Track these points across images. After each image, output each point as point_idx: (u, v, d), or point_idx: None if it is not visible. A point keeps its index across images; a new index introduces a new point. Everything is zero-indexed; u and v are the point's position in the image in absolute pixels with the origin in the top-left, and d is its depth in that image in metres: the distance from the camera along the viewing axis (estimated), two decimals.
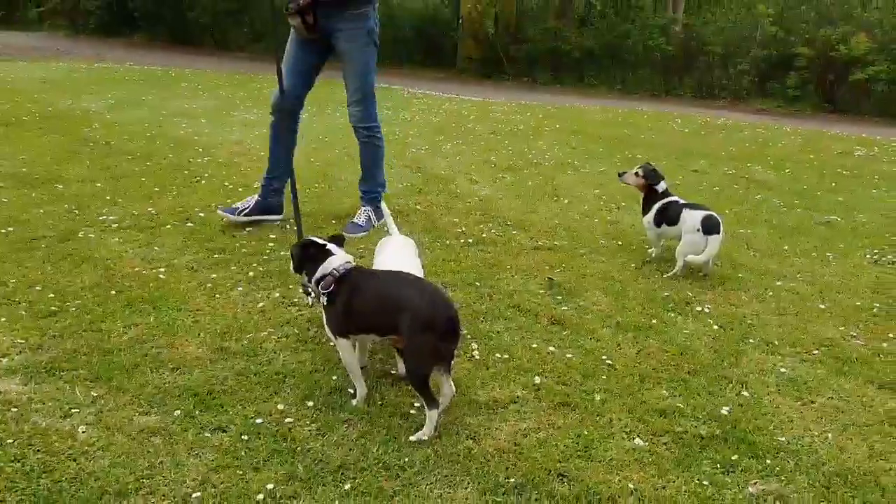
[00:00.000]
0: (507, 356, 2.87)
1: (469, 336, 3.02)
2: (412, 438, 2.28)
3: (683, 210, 3.84)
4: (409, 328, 2.29)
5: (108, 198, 4.60)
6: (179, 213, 4.37)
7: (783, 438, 2.42)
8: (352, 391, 2.51)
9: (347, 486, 2.02)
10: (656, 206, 3.99)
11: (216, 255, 3.74)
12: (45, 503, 1.88)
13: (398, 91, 11.44)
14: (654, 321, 3.27)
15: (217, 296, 3.28)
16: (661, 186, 4.02)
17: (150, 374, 2.58)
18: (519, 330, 3.12)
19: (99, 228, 4.05)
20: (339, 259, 2.50)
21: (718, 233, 3.69)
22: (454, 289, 3.50)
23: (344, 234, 2.87)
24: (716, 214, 3.76)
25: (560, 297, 3.48)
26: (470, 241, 4.21)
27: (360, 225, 4.26)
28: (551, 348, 2.95)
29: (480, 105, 10.17)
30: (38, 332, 2.85)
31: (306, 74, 4.17)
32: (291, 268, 2.59)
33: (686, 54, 14.16)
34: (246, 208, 4.21)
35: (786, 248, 4.44)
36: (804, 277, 3.94)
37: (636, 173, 4.07)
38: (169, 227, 4.12)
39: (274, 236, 4.08)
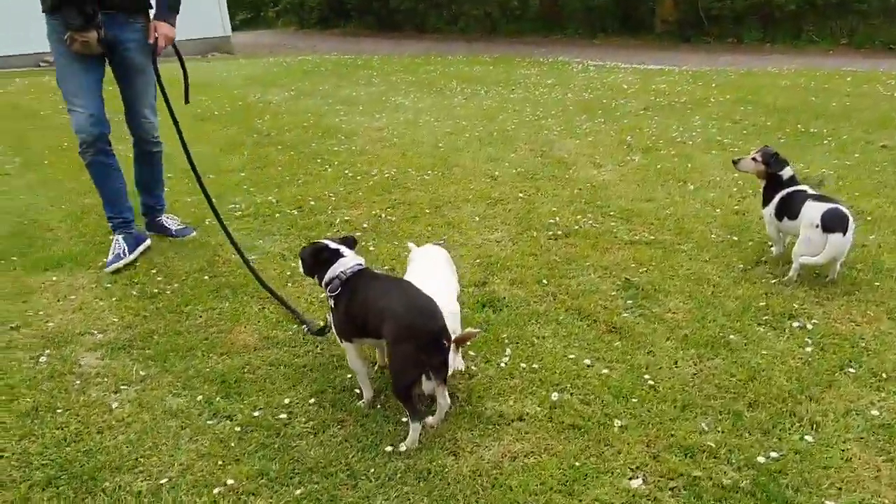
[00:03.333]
0: (537, 366, 2.66)
1: (507, 339, 2.86)
2: (390, 448, 2.23)
3: (806, 202, 3.20)
4: (391, 337, 2.23)
5: (245, 186, 5.11)
6: (296, 201, 4.70)
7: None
8: (358, 391, 2.53)
9: (299, 492, 2.06)
10: (778, 196, 3.37)
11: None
12: (59, 470, 2.19)
13: (566, 65, 11.03)
14: (733, 336, 2.80)
15: (289, 285, 3.50)
16: (786, 173, 3.38)
17: (198, 358, 2.84)
18: (567, 337, 2.87)
19: (225, 217, 4.52)
20: (348, 261, 2.51)
21: (843, 232, 3.02)
22: (517, 286, 3.33)
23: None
24: (844, 208, 3.07)
25: (631, 302, 3.13)
26: (559, 232, 3.95)
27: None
28: (587, 361, 2.67)
29: (645, 76, 9.39)
30: (135, 311, 3.29)
31: (100, 94, 3.66)
32: (301, 270, 2.63)
33: None
34: (123, 250, 3.82)
35: None
36: None
37: (754, 158, 3.47)
38: (279, 215, 4.47)
39: (366, 226, 4.21)
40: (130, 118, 3.89)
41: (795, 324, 2.86)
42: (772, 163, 3.40)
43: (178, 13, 3.70)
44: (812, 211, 3.13)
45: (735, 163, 3.58)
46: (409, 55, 13.65)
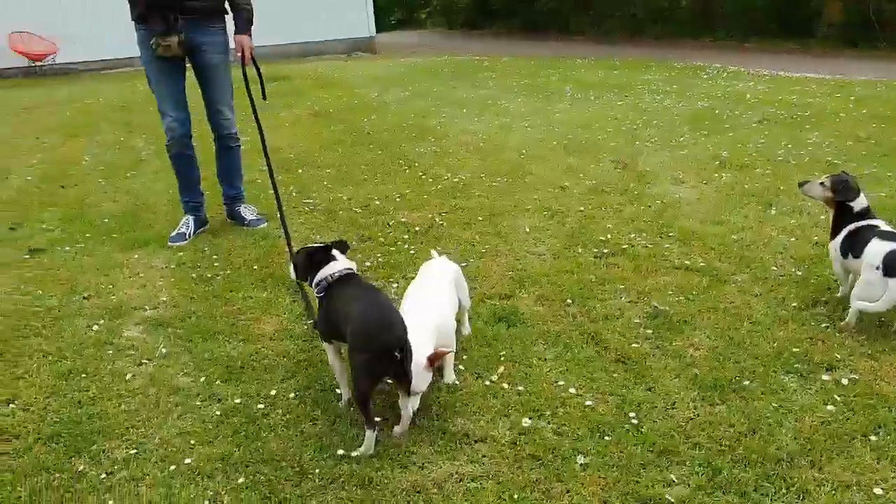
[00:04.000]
0: (522, 388, 2.57)
1: (505, 357, 2.78)
2: (342, 452, 2.27)
3: (872, 239, 2.79)
4: (350, 344, 2.28)
5: (325, 183, 5.37)
6: (364, 200, 4.87)
7: None
8: (339, 392, 2.60)
9: (242, 480, 2.15)
10: (846, 229, 2.98)
11: (357, 243, 4.11)
12: (64, 428, 2.46)
13: (698, 71, 10.36)
14: (748, 383, 2.51)
15: None
16: (859, 204, 2.97)
17: (219, 342, 3.05)
18: (568, 362, 2.74)
19: (297, 211, 4.80)
20: (337, 265, 2.58)
21: None
22: (541, 303, 3.22)
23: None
24: None
25: (652, 332, 2.91)
26: (606, 251, 3.75)
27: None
28: (573, 389, 2.53)
29: (778, 84, 8.56)
30: (187, 292, 3.59)
31: (184, 98, 4.16)
32: (293, 274, 2.69)
33: None
34: (189, 231, 4.34)
35: None
36: None
37: (822, 183, 3.08)
38: (343, 212, 4.65)
39: (418, 229, 4.27)
40: (210, 115, 4.31)
41: (828, 376, 2.51)
42: (841, 190, 3.00)
43: (252, 24, 4.10)
44: (875, 250, 2.72)
45: (801, 186, 3.21)
46: (537, 57, 13.53)
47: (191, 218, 4.39)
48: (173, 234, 4.33)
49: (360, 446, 2.28)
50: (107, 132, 8.15)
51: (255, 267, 3.85)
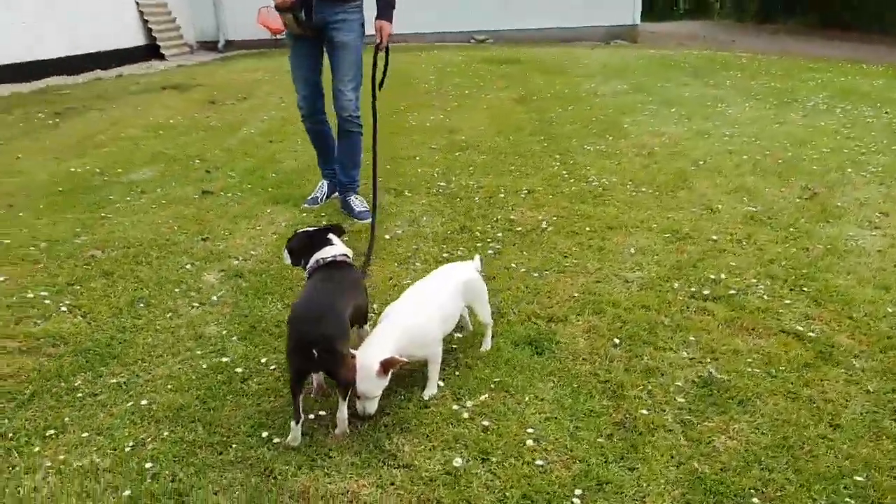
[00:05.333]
0: (488, 425, 2.26)
1: (497, 387, 2.47)
2: (265, 434, 2.23)
3: None
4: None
5: (470, 169, 5.25)
6: (491, 190, 4.67)
7: None
8: None
9: (167, 434, 2.23)
10: None
11: (455, 233, 3.96)
12: (94, 347, 2.79)
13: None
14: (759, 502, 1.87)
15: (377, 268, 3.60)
16: None
17: (265, 302, 3.19)
18: (563, 410, 2.34)
19: (426, 192, 4.76)
20: (332, 250, 2.51)
21: None
22: (585, 336, 2.79)
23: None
24: None
25: (685, 402, 2.33)
26: (707, 293, 3.09)
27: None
28: (532, 442, 2.13)
29: None
30: (278, 250, 3.82)
31: (316, 78, 4.26)
32: (287, 259, 2.63)
33: None
34: (322, 195, 4.60)
35: None
36: None
37: None
38: (461, 200, 4.51)
39: (520, 229, 3.97)
40: (335, 96, 4.18)
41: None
42: None
43: (394, 9, 3.99)
44: None
45: None
46: (812, 58, 11.58)
47: (325, 183, 4.63)
48: (309, 197, 4.63)
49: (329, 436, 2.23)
50: None
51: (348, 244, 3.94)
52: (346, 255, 2.53)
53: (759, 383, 2.43)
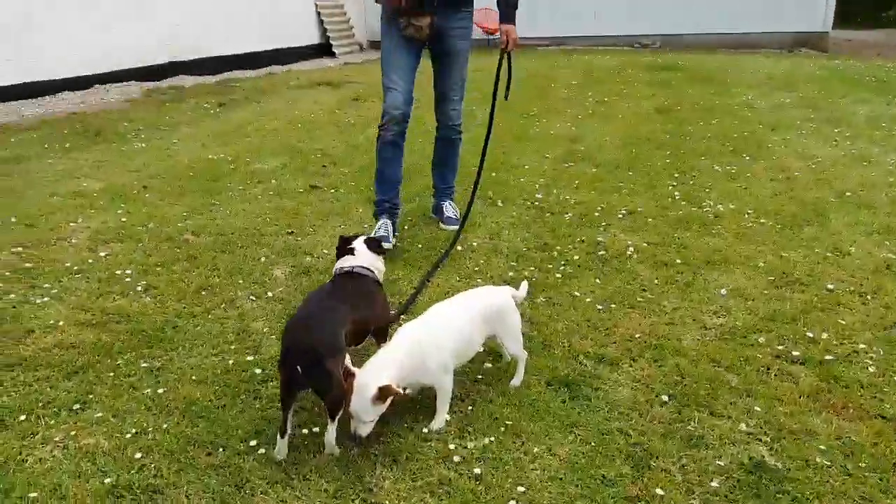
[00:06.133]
0: (479, 472, 2.04)
1: (508, 431, 2.23)
2: (255, 443, 2.18)
3: None
4: None
5: (576, 183, 4.92)
6: (590, 207, 4.33)
7: None
8: None
9: (169, 426, 2.26)
10: None
11: (534, 251, 3.72)
12: (148, 329, 2.94)
13: None
14: None
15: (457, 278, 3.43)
16: None
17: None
18: (573, 473, 2.05)
19: (522, 204, 4.52)
20: (350, 261, 2.46)
21: None
22: (635, 387, 2.45)
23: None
24: None
25: (720, 487, 1.93)
26: (795, 354, 2.58)
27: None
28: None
29: None
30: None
31: (413, 79, 3.79)
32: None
33: None
34: (389, 234, 3.84)
35: None
36: None
37: None
38: (552, 215, 4.22)
39: (602, 253, 3.61)
40: (439, 104, 4.00)
41: None
42: None
43: (516, 9, 3.73)
44: None
45: None
46: None
47: (388, 223, 3.92)
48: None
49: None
50: (474, 97, 8.76)
51: (412, 248, 3.84)
52: (364, 266, 2.44)
53: (826, 480, 1.97)
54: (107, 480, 2.05)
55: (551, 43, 16.00)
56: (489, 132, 3.99)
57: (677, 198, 4.46)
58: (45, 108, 8.40)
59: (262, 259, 3.70)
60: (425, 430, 2.25)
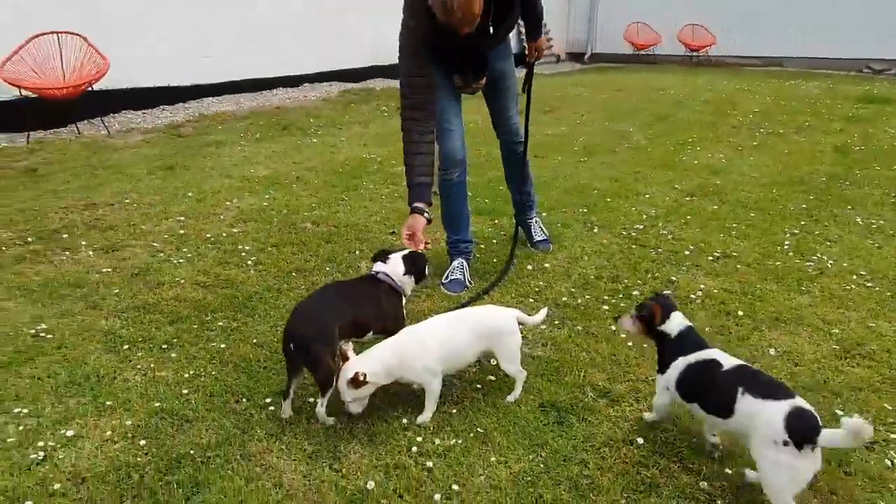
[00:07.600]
0: (456, 489, 2.25)
1: (485, 443, 2.42)
2: (269, 401, 2.61)
3: None
4: None
5: (686, 217, 4.75)
6: (685, 243, 4.21)
7: None
8: None
9: (187, 391, 2.78)
10: None
11: (605, 282, 3.75)
12: (194, 315, 3.55)
13: None
14: None
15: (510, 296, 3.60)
16: None
17: None
18: (506, 494, 2.19)
19: (612, 232, 4.51)
20: (379, 266, 2.81)
21: None
22: (603, 448, 2.48)
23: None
24: None
25: None
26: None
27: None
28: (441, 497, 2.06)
29: None
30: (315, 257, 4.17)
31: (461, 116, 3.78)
32: None
33: None
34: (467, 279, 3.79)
35: None
36: None
37: None
38: (640, 248, 4.17)
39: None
40: (500, 121, 3.99)
41: None
42: None
43: (541, 21, 3.82)
44: None
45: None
46: None
47: (464, 262, 3.88)
48: (448, 280, 3.77)
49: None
50: (641, 117, 8.67)
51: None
52: (387, 273, 2.77)
53: None
54: (157, 404, 2.63)
55: (764, 63, 14.92)
56: (525, 147, 4.00)
57: (786, 247, 4.15)
58: (258, 101, 9.89)
59: (357, 252, 4.19)
60: (406, 420, 2.53)
